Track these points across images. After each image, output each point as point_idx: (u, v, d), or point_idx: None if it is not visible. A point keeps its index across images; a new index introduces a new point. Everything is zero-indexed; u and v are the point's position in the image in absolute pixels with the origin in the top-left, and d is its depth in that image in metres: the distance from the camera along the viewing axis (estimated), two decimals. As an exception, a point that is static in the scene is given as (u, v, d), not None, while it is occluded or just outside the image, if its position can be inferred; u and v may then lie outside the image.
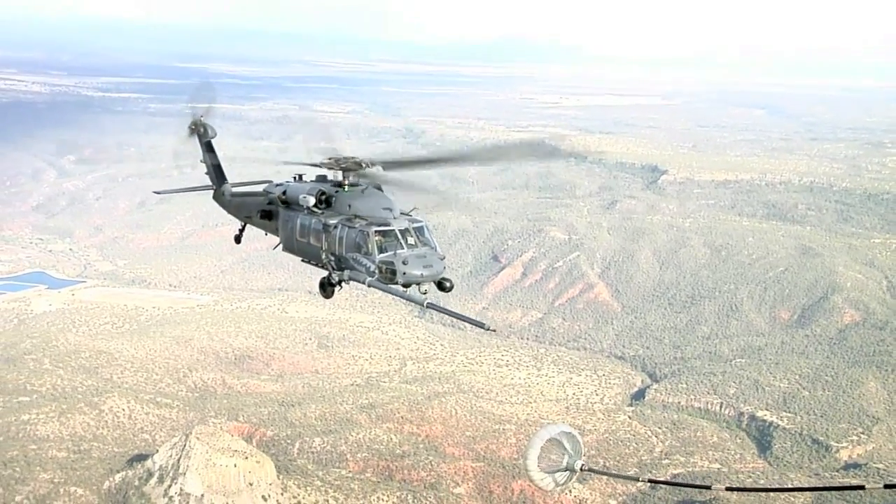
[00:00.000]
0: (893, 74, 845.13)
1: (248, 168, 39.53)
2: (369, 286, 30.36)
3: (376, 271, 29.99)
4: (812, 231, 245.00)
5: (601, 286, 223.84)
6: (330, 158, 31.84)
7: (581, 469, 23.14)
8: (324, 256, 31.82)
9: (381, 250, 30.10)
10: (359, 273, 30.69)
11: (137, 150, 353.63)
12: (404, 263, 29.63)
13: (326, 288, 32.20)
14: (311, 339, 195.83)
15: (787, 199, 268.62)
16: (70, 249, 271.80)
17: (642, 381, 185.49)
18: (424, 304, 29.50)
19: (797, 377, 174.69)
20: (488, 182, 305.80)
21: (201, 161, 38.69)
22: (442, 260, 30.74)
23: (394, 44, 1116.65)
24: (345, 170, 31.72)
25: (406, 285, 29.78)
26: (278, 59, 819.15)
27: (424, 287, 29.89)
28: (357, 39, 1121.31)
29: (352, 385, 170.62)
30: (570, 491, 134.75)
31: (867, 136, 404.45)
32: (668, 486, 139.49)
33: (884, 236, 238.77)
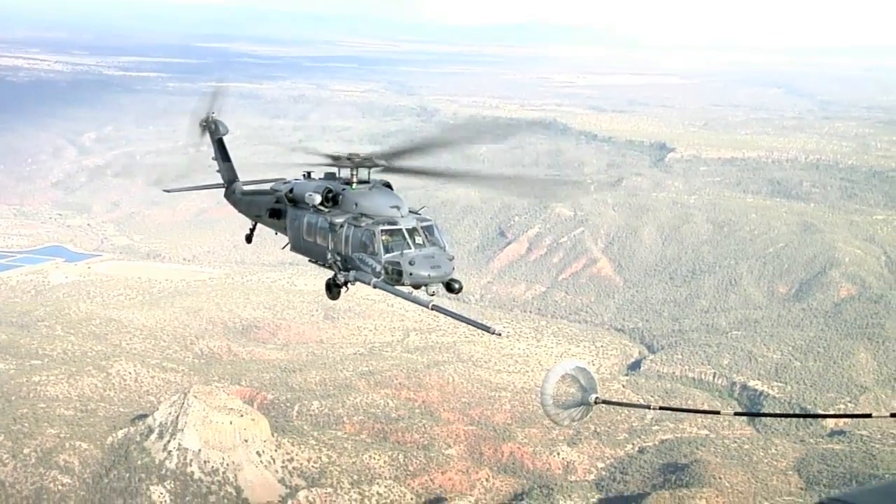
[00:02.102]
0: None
1: (262, 157, 40.64)
2: (374, 287, 29.48)
3: (382, 272, 29.08)
4: (815, 208, 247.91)
5: (604, 261, 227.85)
6: (340, 155, 31.21)
7: (595, 402, 23.15)
8: (329, 256, 31.05)
9: (387, 250, 29.14)
10: (364, 273, 29.77)
11: (156, 129, 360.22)
12: (411, 264, 28.70)
13: (332, 289, 31.44)
14: (317, 310, 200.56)
15: (792, 176, 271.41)
16: (88, 224, 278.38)
17: (639, 352, 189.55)
18: (429, 306, 28.29)
19: (790, 348, 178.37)
20: (499, 160, 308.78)
21: (213, 159, 37.70)
22: (451, 260, 29.55)
23: (418, 25, 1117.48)
24: (355, 166, 31.04)
25: (414, 286, 28.89)
26: (301, 40, 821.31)
27: (432, 289, 28.96)
28: (381, 20, 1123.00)
29: (354, 354, 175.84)
30: (559, 454, 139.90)
31: (881, 115, 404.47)
32: (655, 451, 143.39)
33: (886, 213, 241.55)
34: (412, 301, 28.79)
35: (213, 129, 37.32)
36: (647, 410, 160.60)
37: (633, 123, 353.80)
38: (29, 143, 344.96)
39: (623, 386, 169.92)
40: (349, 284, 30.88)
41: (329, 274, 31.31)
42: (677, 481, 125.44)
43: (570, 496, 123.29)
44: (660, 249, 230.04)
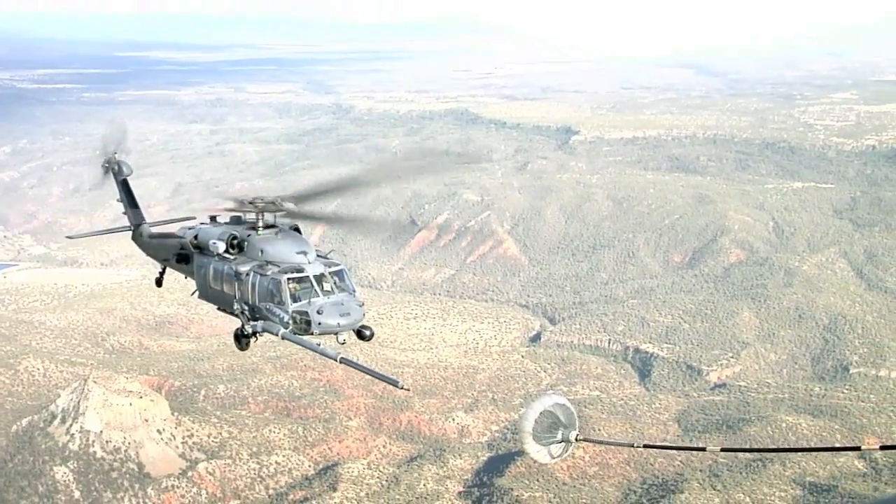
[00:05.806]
0: (825, 28, 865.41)
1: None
2: (283, 338, 28.78)
3: (290, 322, 28.33)
4: (710, 180, 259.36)
5: (510, 242, 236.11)
6: (242, 201, 29.88)
7: (576, 440, 23.13)
8: (237, 306, 29.99)
9: (294, 299, 28.35)
10: (272, 324, 28.98)
11: (72, 139, 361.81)
12: (319, 313, 28.01)
13: (241, 340, 30.48)
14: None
15: (690, 152, 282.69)
16: (4, 237, 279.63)
17: (541, 325, 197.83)
18: (338, 360, 27.65)
19: (681, 312, 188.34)
20: (411, 151, 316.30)
21: (118, 200, 36.37)
22: (361, 307, 28.79)
23: (337, 24, 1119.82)
24: (260, 211, 29.71)
25: (324, 335, 28.25)
26: (221, 45, 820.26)
27: (342, 337, 28.35)
28: (301, 23, 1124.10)
29: (264, 341, 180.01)
30: (454, 419, 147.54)
31: (783, 90, 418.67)
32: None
33: (777, 181, 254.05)
34: (321, 354, 28.27)
35: (116, 171, 35.57)
36: (542, 378, 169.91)
37: (543, 110, 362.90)
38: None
39: (522, 356, 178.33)
40: (258, 335, 29.98)
41: (238, 323, 30.37)
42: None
43: (461, 456, 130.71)
44: (563, 228, 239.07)
